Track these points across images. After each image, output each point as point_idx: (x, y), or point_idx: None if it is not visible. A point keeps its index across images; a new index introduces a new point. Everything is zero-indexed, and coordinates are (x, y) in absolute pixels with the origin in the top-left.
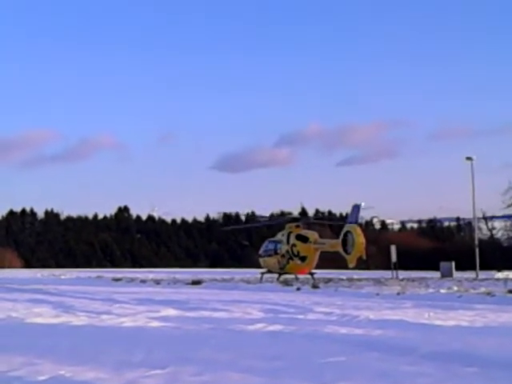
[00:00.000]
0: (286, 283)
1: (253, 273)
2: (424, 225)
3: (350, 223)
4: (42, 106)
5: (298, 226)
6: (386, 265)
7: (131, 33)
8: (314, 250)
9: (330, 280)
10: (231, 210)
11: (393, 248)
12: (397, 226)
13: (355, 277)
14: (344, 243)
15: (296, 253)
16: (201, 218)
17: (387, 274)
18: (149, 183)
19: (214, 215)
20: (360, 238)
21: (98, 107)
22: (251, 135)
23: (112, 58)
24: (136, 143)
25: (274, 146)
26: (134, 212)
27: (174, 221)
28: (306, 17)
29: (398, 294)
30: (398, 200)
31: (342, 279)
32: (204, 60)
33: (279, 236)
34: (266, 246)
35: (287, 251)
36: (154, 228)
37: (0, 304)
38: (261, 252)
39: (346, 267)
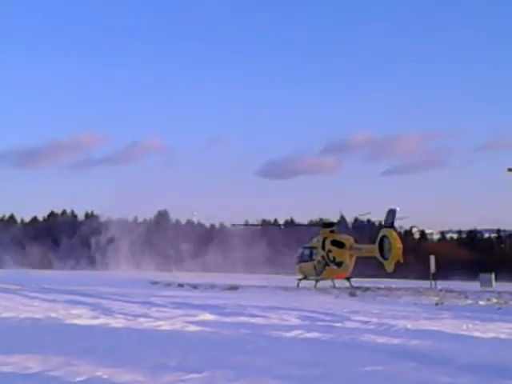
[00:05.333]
0: (324, 290)
1: (290, 279)
2: (464, 235)
3: (386, 227)
4: (94, 109)
5: (332, 232)
6: (424, 275)
7: (182, 38)
8: (350, 256)
9: (367, 289)
10: (270, 216)
11: (432, 258)
12: (436, 236)
13: (393, 286)
14: (381, 248)
15: (332, 258)
16: (239, 223)
17: (426, 283)
18: (191, 187)
19: (252, 221)
20: (397, 243)
21: (149, 111)
22: (298, 142)
23: (161, 64)
24: (184, 147)
25: (320, 153)
26: (173, 216)
27: (212, 226)
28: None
29: (437, 304)
30: (438, 210)
31: (380, 288)
32: (254, 62)
33: (315, 242)
34: (302, 252)
35: (323, 257)
36: (191, 232)
37: (39, 304)
38: (297, 258)
39: (384, 275)
